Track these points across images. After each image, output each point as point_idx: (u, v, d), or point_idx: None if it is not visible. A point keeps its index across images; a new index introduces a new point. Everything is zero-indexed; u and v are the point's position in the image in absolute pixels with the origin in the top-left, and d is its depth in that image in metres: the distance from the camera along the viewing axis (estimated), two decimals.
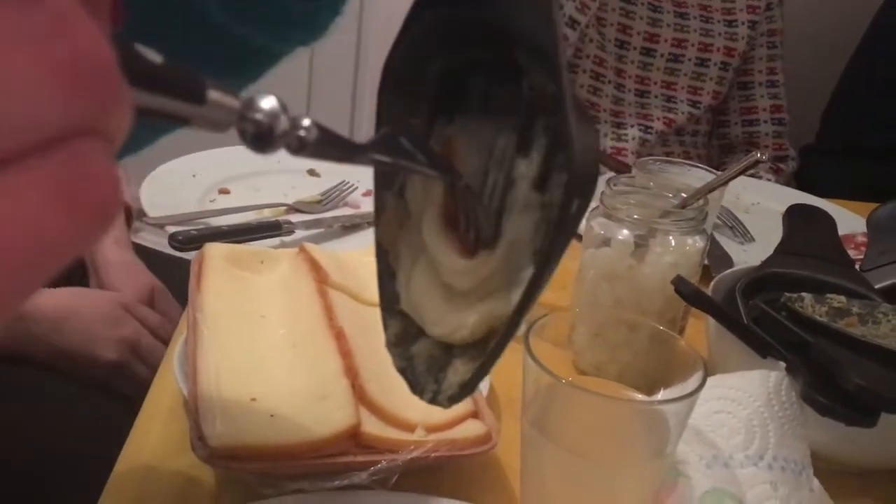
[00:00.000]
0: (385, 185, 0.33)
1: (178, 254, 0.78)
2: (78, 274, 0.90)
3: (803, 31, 1.68)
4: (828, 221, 0.73)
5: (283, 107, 0.20)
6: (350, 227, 0.90)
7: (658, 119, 1.45)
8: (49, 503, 0.68)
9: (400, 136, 0.27)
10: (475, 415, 0.51)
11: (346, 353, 0.52)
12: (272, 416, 0.47)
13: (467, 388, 0.30)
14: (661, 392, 0.43)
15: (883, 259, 0.70)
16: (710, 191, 0.64)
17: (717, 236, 0.93)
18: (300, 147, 0.21)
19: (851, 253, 0.72)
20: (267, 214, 0.90)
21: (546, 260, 0.27)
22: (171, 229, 0.79)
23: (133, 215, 0.99)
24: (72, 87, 0.15)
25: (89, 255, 0.89)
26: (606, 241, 0.61)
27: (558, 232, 0.26)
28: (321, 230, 0.88)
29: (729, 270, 0.68)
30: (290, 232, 0.85)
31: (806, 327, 0.54)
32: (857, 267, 0.68)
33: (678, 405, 0.39)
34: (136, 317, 0.83)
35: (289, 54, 0.41)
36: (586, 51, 1.42)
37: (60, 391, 0.77)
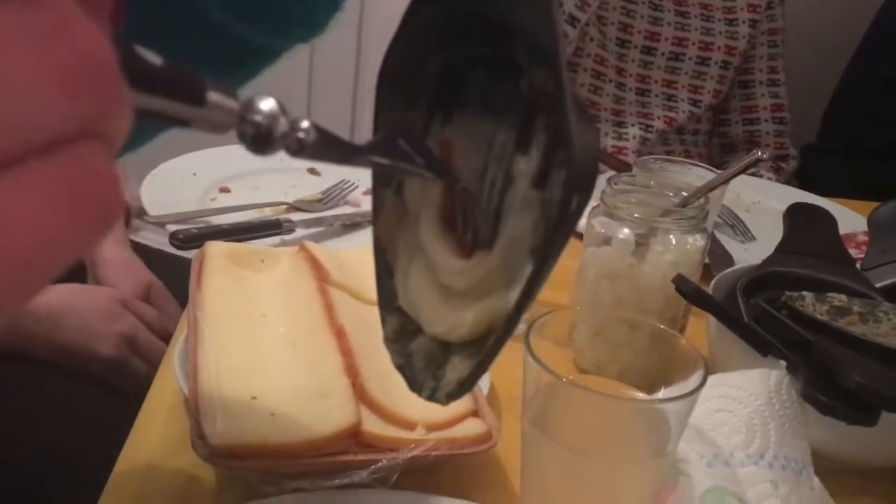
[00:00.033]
0: (383, 182, 0.33)
1: (178, 252, 0.78)
2: (78, 272, 0.90)
3: (804, 29, 1.68)
4: (829, 220, 0.73)
5: (283, 109, 0.20)
6: (350, 225, 0.90)
7: (659, 118, 1.45)
8: (48, 500, 0.68)
9: (398, 137, 0.27)
10: (475, 413, 0.51)
11: (346, 352, 0.52)
12: (273, 414, 0.47)
13: (466, 385, 0.30)
14: (662, 391, 0.43)
15: (884, 258, 0.70)
16: (711, 189, 0.64)
17: (718, 235, 0.93)
18: (299, 148, 0.21)
19: (852, 252, 0.72)
20: (267, 213, 0.90)
21: (545, 257, 0.27)
22: (172, 228, 0.79)
23: (131, 214, 0.99)
24: (73, 88, 0.15)
25: (87, 253, 0.89)
26: (607, 240, 0.61)
27: (557, 229, 0.26)
28: (322, 229, 0.88)
29: (730, 269, 0.68)
30: (291, 230, 0.85)
31: (807, 326, 0.54)
32: (857, 266, 0.68)
33: (679, 404, 0.39)
34: (134, 312, 0.83)
35: (289, 51, 0.41)
36: (587, 49, 1.42)
37: (58, 388, 0.77)
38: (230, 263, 0.61)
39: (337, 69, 1.99)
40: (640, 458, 0.42)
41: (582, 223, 0.63)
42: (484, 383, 0.56)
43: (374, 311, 0.33)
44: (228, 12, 0.37)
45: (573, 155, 0.25)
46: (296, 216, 0.88)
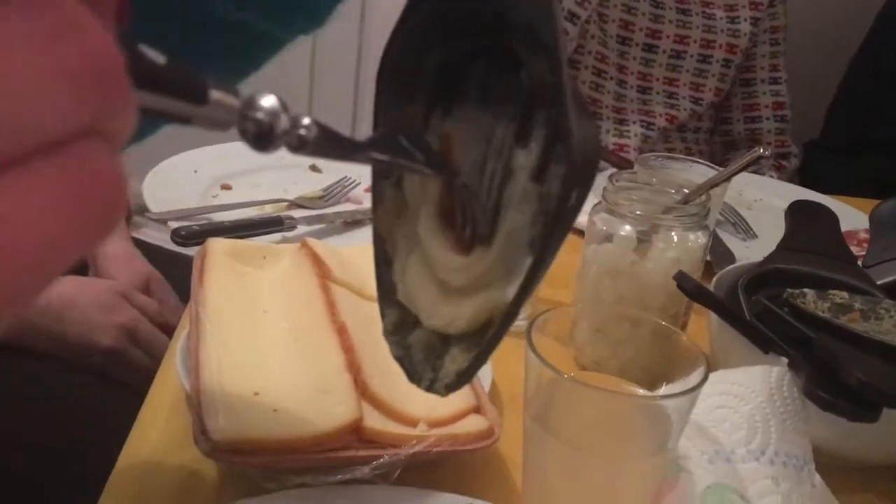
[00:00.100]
0: (383, 174, 0.33)
1: (180, 249, 0.78)
2: (80, 265, 0.90)
3: (806, 27, 1.68)
4: (830, 218, 0.73)
5: (284, 105, 0.20)
6: (352, 222, 0.90)
7: (660, 115, 1.45)
8: (49, 490, 0.68)
9: (399, 134, 0.27)
10: (477, 410, 0.51)
11: (348, 348, 0.52)
12: (275, 410, 0.47)
13: (464, 376, 0.30)
14: (663, 387, 0.43)
15: (885, 255, 0.70)
16: (713, 187, 0.64)
17: (720, 232, 0.93)
18: (300, 145, 0.21)
19: (854, 249, 0.72)
20: (269, 210, 0.90)
21: (544, 251, 0.27)
22: (174, 225, 0.79)
23: (132, 210, 0.99)
24: (79, 89, 0.15)
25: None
26: (609, 237, 0.61)
27: (556, 223, 0.26)
28: (323, 226, 0.88)
29: (731, 266, 0.68)
30: (292, 227, 0.85)
31: (808, 323, 0.54)
32: (859, 263, 0.68)
33: (680, 400, 0.39)
34: (134, 304, 0.83)
35: (291, 42, 0.41)
36: (588, 47, 1.42)
37: (59, 379, 0.77)
38: (232, 260, 0.61)
39: (339, 63, 1.99)
40: (641, 454, 0.42)
41: (583, 220, 0.63)
42: (486, 380, 0.56)
43: (376, 308, 0.34)
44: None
45: (572, 149, 0.25)
46: (297, 213, 0.88)
